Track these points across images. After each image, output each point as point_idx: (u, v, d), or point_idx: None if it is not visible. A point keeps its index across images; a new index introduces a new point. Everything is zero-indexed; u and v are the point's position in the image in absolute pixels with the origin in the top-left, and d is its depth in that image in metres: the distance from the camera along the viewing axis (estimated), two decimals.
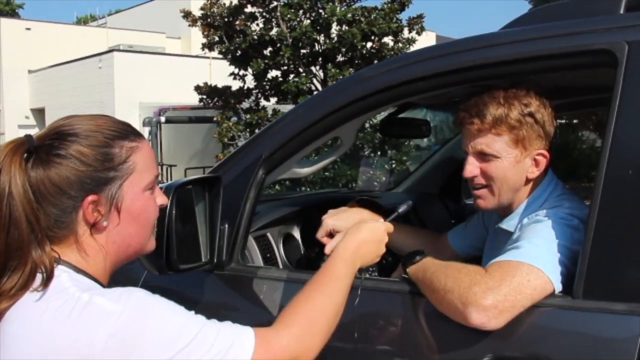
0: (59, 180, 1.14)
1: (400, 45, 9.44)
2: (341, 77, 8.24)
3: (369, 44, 9.20)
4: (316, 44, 9.24)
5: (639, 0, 1.54)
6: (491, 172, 1.64)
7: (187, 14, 9.86)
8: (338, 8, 8.96)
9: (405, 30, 9.52)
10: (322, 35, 9.17)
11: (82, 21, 36.35)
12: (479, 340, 1.35)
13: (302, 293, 1.29)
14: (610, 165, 1.33)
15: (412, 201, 1.77)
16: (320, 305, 1.27)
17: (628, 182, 1.32)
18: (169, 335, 1.08)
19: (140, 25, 25.96)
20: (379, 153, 8.80)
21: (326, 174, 8.20)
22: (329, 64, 8.95)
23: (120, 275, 1.36)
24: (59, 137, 1.16)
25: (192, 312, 1.15)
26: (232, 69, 9.71)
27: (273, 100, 9.91)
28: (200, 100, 10.16)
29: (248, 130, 9.15)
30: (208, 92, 9.89)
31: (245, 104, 9.76)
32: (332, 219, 1.93)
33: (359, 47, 8.92)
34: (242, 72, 9.63)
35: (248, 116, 9.29)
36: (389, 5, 9.20)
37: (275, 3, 9.12)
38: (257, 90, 9.68)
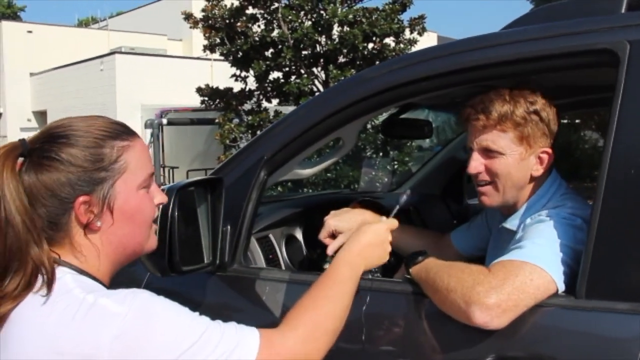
0: (51, 183, 1.14)
1: (401, 46, 9.46)
2: (343, 78, 8.23)
3: (371, 45, 9.22)
4: (317, 45, 9.25)
5: None
6: (495, 169, 1.64)
7: (188, 16, 9.89)
8: (339, 9, 8.98)
9: (407, 31, 9.54)
10: (324, 36, 9.18)
11: (84, 23, 36.39)
12: (482, 340, 1.34)
13: (306, 296, 1.28)
14: (612, 165, 1.33)
15: (410, 190, 1.75)
16: (325, 309, 1.26)
17: (630, 182, 1.31)
18: (174, 336, 1.08)
19: (141, 28, 26.00)
20: (381, 154, 8.80)
21: (328, 175, 8.21)
22: (331, 65, 8.97)
23: (123, 276, 1.36)
24: (50, 140, 1.16)
25: (197, 313, 1.15)
26: (233, 70, 9.73)
27: (275, 101, 9.93)
28: (202, 102, 10.19)
29: (250, 131, 9.16)
30: (210, 93, 9.91)
31: (247, 106, 9.78)
32: (334, 219, 1.93)
33: (361, 48, 8.94)
34: (243, 74, 9.65)
35: (250, 118, 9.31)
36: (390, 6, 9.21)
37: (276, 4, 9.14)
38: (258, 92, 9.70)
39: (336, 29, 9.17)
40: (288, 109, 8.69)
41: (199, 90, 9.99)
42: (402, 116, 2.41)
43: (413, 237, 2.06)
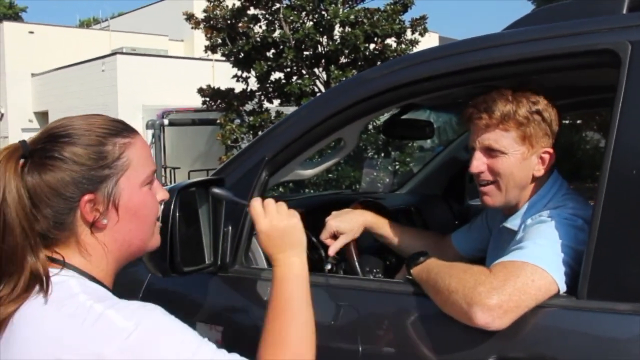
0: (55, 183, 1.14)
1: (403, 46, 9.44)
2: (344, 78, 8.23)
3: (372, 46, 9.21)
4: (319, 46, 9.24)
5: None
6: (498, 168, 1.64)
7: (189, 17, 9.88)
8: (341, 10, 8.98)
9: (408, 32, 9.53)
10: (325, 37, 9.17)
11: (85, 24, 36.45)
12: (483, 341, 1.34)
13: (271, 331, 1.25)
14: (613, 165, 1.33)
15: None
16: (299, 333, 1.25)
17: (632, 182, 1.31)
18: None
19: (143, 28, 26.02)
20: (382, 154, 8.79)
21: (330, 175, 8.21)
22: (332, 66, 8.96)
23: (125, 277, 1.37)
24: (51, 140, 1.16)
25: (206, 339, 1.13)
26: (235, 71, 9.72)
27: (276, 102, 9.93)
28: (204, 102, 10.18)
29: (251, 132, 9.16)
30: (211, 94, 9.91)
31: (249, 106, 9.77)
32: (336, 220, 1.93)
33: (362, 49, 8.93)
34: (245, 74, 9.65)
35: (251, 118, 9.30)
36: (392, 6, 9.20)
37: (277, 5, 9.13)
38: (260, 93, 9.69)
39: (338, 30, 9.16)
40: (289, 110, 8.68)
41: (201, 90, 9.99)
42: (404, 117, 2.42)
43: (414, 238, 2.06)
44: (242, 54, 9.41)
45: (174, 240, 1.48)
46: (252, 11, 9.43)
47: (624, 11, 1.53)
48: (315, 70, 9.42)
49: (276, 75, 9.57)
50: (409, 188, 3.25)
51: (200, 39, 11.31)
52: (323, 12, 9.05)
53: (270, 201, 1.41)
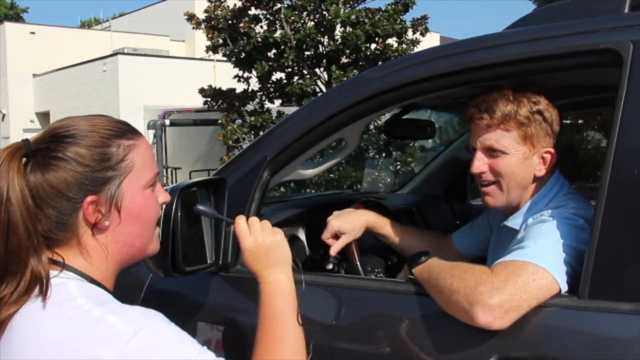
0: (58, 183, 1.13)
1: (404, 46, 9.44)
2: (345, 78, 8.23)
3: (373, 46, 9.20)
4: (320, 46, 9.24)
5: None
6: (499, 168, 1.64)
7: (191, 17, 9.89)
8: (342, 10, 8.97)
9: (409, 32, 9.53)
10: (326, 37, 9.17)
11: (86, 25, 36.48)
12: (485, 340, 1.34)
13: (265, 347, 1.26)
14: (615, 165, 1.33)
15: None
16: (289, 348, 1.26)
17: (633, 182, 1.31)
18: None
19: (144, 29, 26.04)
20: (383, 154, 8.79)
21: (331, 175, 8.21)
22: (333, 66, 8.96)
23: (126, 277, 1.37)
24: (55, 140, 1.16)
25: (204, 348, 1.12)
26: (236, 71, 9.73)
27: (277, 102, 9.93)
28: (205, 102, 10.18)
29: (252, 132, 9.16)
30: (212, 94, 9.91)
31: (250, 106, 9.77)
32: (337, 220, 1.93)
33: (363, 49, 8.92)
34: (246, 75, 9.65)
35: (252, 118, 9.30)
36: (393, 6, 9.20)
37: (279, 5, 9.13)
38: (261, 93, 9.70)
39: (339, 30, 9.16)
40: (291, 110, 8.68)
41: (202, 91, 9.99)
42: (405, 117, 2.42)
43: (415, 238, 2.06)
44: (243, 54, 9.41)
45: (175, 240, 1.48)
46: (253, 11, 9.43)
47: (626, 10, 1.52)
48: (317, 70, 9.43)
49: (277, 75, 9.57)
50: (410, 188, 3.25)
51: (201, 39, 11.32)
52: (324, 12, 9.05)
53: (254, 219, 1.42)
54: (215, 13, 9.40)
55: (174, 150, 14.24)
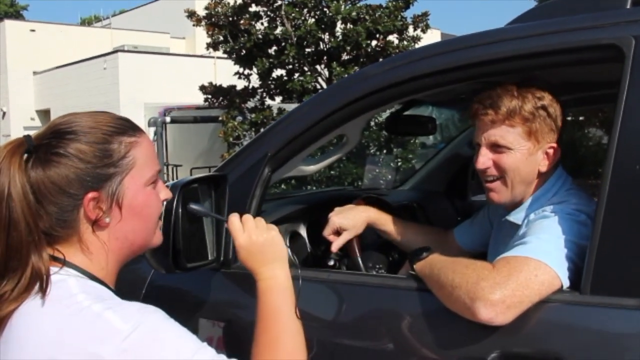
0: (59, 179, 1.13)
1: (405, 43, 9.42)
2: (346, 75, 8.22)
3: (374, 42, 9.19)
4: (321, 43, 9.23)
5: None
6: (504, 164, 1.63)
7: (191, 14, 9.88)
8: (343, 6, 8.96)
9: (410, 28, 9.51)
10: (327, 33, 9.16)
11: (87, 22, 36.45)
12: (486, 336, 1.34)
13: (264, 344, 1.26)
14: (617, 160, 1.33)
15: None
16: (289, 345, 1.26)
17: (635, 177, 1.31)
18: None
19: (144, 26, 26.03)
20: (384, 151, 8.79)
21: (332, 172, 8.20)
22: (334, 63, 8.95)
23: (128, 274, 1.37)
24: (57, 136, 1.16)
25: (205, 344, 1.12)
26: (236, 68, 9.72)
27: (278, 99, 9.92)
28: (205, 100, 10.17)
29: (253, 129, 9.15)
30: (213, 91, 9.90)
31: (251, 103, 9.77)
32: (339, 216, 1.93)
33: (364, 46, 8.91)
34: (247, 72, 9.64)
35: (253, 115, 9.30)
36: (394, 3, 9.18)
37: (279, 2, 9.12)
38: (262, 90, 9.69)
39: (339, 26, 9.15)
40: (291, 107, 8.66)
41: (202, 88, 9.98)
42: (406, 113, 2.41)
43: (417, 234, 2.06)
44: (244, 51, 9.40)
45: (177, 237, 1.48)
46: (253, 8, 9.42)
47: (628, 5, 1.52)
48: (317, 67, 9.41)
49: (278, 72, 9.56)
50: (411, 184, 3.25)
51: (201, 36, 11.31)
52: (325, 9, 9.04)
53: (248, 217, 1.41)
54: (216, 10, 9.39)
55: (174, 148, 14.24)
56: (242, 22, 9.28)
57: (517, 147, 1.62)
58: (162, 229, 1.37)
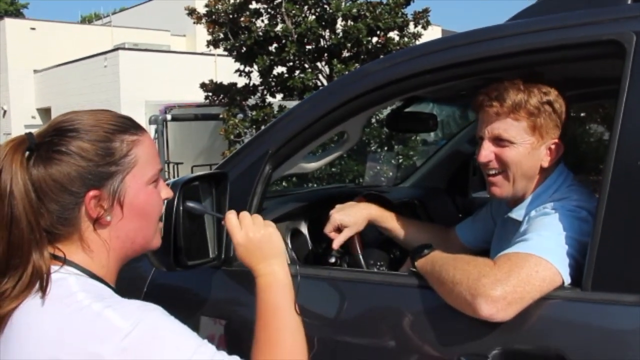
0: (61, 177, 1.13)
1: (405, 39, 9.43)
2: (347, 72, 8.22)
3: (375, 39, 9.19)
4: (321, 40, 9.23)
5: None
6: (506, 158, 1.63)
7: (191, 12, 9.88)
8: (343, 3, 8.96)
9: (411, 25, 9.51)
10: (328, 30, 9.16)
11: (87, 20, 36.46)
12: (488, 333, 1.34)
13: (262, 346, 1.26)
14: (618, 156, 1.33)
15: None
16: (288, 341, 1.25)
17: (636, 173, 1.31)
18: None
19: (144, 24, 26.02)
20: (385, 148, 8.79)
21: (333, 169, 8.21)
22: (335, 60, 8.94)
23: (129, 272, 1.37)
24: (59, 134, 1.16)
25: (205, 341, 1.12)
26: (237, 65, 9.72)
27: (279, 96, 9.93)
28: (206, 97, 10.18)
29: (254, 127, 9.16)
30: (214, 89, 9.91)
31: (251, 101, 9.78)
32: (340, 214, 1.93)
33: (365, 42, 8.91)
34: (247, 69, 9.65)
35: (254, 113, 9.30)
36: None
37: None
38: (262, 87, 9.70)
39: (340, 23, 9.14)
40: (292, 104, 8.66)
41: (203, 85, 9.99)
42: (407, 110, 2.41)
43: (418, 231, 2.06)
44: (245, 49, 9.40)
45: (177, 235, 1.48)
46: (254, 5, 9.43)
47: (629, 1, 1.52)
48: (318, 64, 9.42)
49: (279, 69, 9.57)
50: (412, 181, 3.25)
51: (202, 33, 11.33)
52: (325, 6, 9.04)
53: (245, 214, 1.42)
54: (216, 7, 9.39)
55: (175, 145, 14.25)
56: (242, 19, 9.29)
57: (520, 142, 1.61)
58: (163, 226, 1.37)
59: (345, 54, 9.30)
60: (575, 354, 1.28)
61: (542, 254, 1.36)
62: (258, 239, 1.37)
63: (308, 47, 9.24)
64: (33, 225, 1.11)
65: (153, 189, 1.24)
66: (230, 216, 1.41)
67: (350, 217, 1.94)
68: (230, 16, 9.38)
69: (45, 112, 23.16)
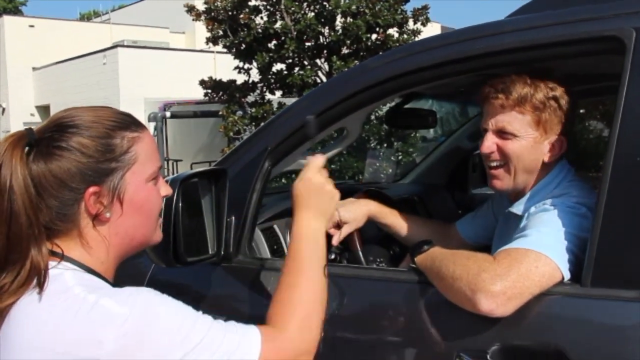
0: (60, 173, 1.13)
1: (405, 36, 9.42)
2: (346, 69, 8.21)
3: (374, 36, 9.18)
4: (321, 37, 9.22)
5: None
6: (508, 150, 1.63)
7: (190, 9, 9.87)
8: (342, 0, 8.94)
9: (410, 22, 9.50)
10: (327, 27, 9.15)
11: (86, 17, 36.42)
12: (487, 328, 1.34)
13: (283, 288, 1.27)
14: (618, 152, 1.33)
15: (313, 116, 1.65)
16: (306, 295, 1.26)
17: (636, 169, 1.31)
18: (177, 337, 1.07)
19: (143, 21, 26.00)
20: (385, 144, 8.79)
21: (332, 166, 8.20)
22: (334, 57, 8.94)
23: (128, 269, 1.37)
24: (59, 129, 1.15)
25: (200, 312, 1.14)
26: (236, 62, 9.71)
27: (278, 93, 9.92)
28: (205, 94, 10.17)
29: (253, 124, 9.15)
30: (213, 86, 9.90)
31: (251, 98, 9.77)
32: (339, 210, 1.93)
33: (364, 39, 8.90)
34: (246, 66, 9.64)
35: (253, 110, 9.30)
36: None
37: None
38: (262, 84, 9.69)
39: (339, 20, 9.13)
40: (291, 101, 8.65)
41: (202, 82, 9.98)
42: (406, 106, 2.41)
43: (418, 227, 2.06)
44: (244, 46, 9.39)
45: (177, 231, 1.48)
46: (253, 2, 9.40)
47: None
48: (317, 61, 9.41)
49: (278, 66, 9.56)
50: (412, 178, 3.25)
51: (201, 30, 11.29)
52: (324, 3, 9.02)
53: (325, 171, 1.43)
54: (215, 4, 9.38)
55: (175, 143, 14.23)
56: (241, 16, 9.27)
57: (523, 135, 1.61)
58: (163, 223, 1.37)
59: (345, 50, 9.29)
60: (574, 349, 1.28)
61: (541, 249, 1.37)
62: (322, 189, 1.39)
63: (307, 44, 9.23)
64: (32, 220, 1.10)
65: (153, 186, 1.24)
66: (320, 158, 1.43)
67: (349, 214, 1.94)
68: (230, 13, 9.37)
69: (44, 109, 23.16)
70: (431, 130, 6.78)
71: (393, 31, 9.37)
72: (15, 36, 23.20)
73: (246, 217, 1.76)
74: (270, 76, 9.53)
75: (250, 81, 9.75)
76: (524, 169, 1.64)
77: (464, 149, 3.02)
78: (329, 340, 1.54)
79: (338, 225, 1.93)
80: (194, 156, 13.60)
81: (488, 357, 1.34)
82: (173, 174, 12.90)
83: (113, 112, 1.22)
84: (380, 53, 8.13)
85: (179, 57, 20.50)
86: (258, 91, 9.75)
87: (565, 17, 1.50)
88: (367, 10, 8.89)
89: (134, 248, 1.26)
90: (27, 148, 1.13)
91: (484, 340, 1.35)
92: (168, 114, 13.70)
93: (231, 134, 9.30)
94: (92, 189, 1.15)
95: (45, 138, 1.15)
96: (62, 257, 1.14)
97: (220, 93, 9.90)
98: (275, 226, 2.22)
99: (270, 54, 9.17)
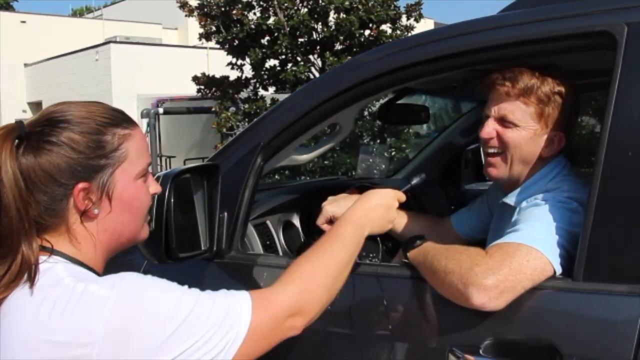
0: (50, 168, 1.12)
1: (398, 32, 9.42)
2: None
3: (367, 32, 9.18)
4: (314, 33, 9.22)
5: None
6: (507, 138, 1.64)
7: (183, 4, 9.83)
8: None
9: (404, 18, 9.50)
10: (320, 23, 9.14)
11: (78, 13, 36.23)
12: (480, 323, 1.35)
13: (305, 254, 1.31)
14: (609, 147, 1.33)
15: (425, 175, 1.77)
16: (322, 263, 1.29)
17: (627, 164, 1.31)
18: (165, 313, 1.07)
19: (136, 17, 25.88)
20: (378, 140, 8.79)
21: (325, 162, 8.20)
22: (327, 53, 8.93)
23: (121, 265, 1.36)
24: (50, 124, 1.15)
25: (186, 287, 1.14)
26: (229, 58, 9.69)
27: (271, 89, 9.90)
28: (198, 90, 10.15)
29: (246, 120, 9.15)
30: (206, 82, 9.89)
31: (244, 94, 9.76)
32: (332, 205, 1.93)
33: (357, 35, 8.90)
34: (239, 62, 9.62)
35: (246, 106, 9.29)
36: None
37: None
38: (255, 80, 9.67)
39: (332, 16, 9.13)
40: (284, 97, 8.65)
41: (195, 79, 9.96)
42: (399, 101, 2.41)
43: (411, 222, 2.06)
44: (237, 42, 9.37)
45: (169, 227, 1.48)
46: None
47: None
48: (310, 57, 9.40)
49: (271, 62, 9.55)
50: (404, 173, 3.25)
51: (194, 26, 11.28)
52: None
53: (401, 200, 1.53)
54: (208, 0, 9.35)
55: (168, 139, 14.20)
56: (234, 12, 9.25)
57: (524, 125, 1.62)
58: (155, 218, 1.36)
59: (338, 46, 9.29)
60: (566, 344, 1.28)
61: (532, 243, 1.37)
62: (389, 212, 1.48)
63: (300, 40, 9.22)
64: (22, 214, 1.10)
65: (142, 183, 1.24)
66: (403, 195, 1.55)
67: (342, 209, 1.92)
68: (222, 9, 9.35)
69: (36, 105, 23.02)
70: (424, 126, 6.78)
71: (386, 27, 9.38)
72: (6, 32, 23.04)
73: (239, 213, 1.76)
74: (263, 72, 9.52)
75: (243, 77, 9.74)
76: (520, 159, 1.65)
77: (457, 145, 3.02)
78: (320, 335, 1.55)
79: (331, 221, 1.93)
80: (187, 152, 13.57)
81: (480, 351, 1.34)
82: (166, 170, 12.92)
83: (105, 108, 1.22)
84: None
85: (172, 53, 20.41)
86: (251, 87, 9.74)
87: (556, 12, 1.50)
88: (360, 6, 8.89)
89: (122, 245, 1.26)
90: (17, 141, 1.13)
91: (477, 334, 1.35)
92: (161, 110, 13.66)
93: (224, 130, 9.29)
94: (81, 185, 1.14)
95: (36, 132, 1.14)
96: (51, 251, 1.14)
97: (213, 89, 9.88)
98: (267, 222, 2.22)
99: (263, 50, 9.16)
